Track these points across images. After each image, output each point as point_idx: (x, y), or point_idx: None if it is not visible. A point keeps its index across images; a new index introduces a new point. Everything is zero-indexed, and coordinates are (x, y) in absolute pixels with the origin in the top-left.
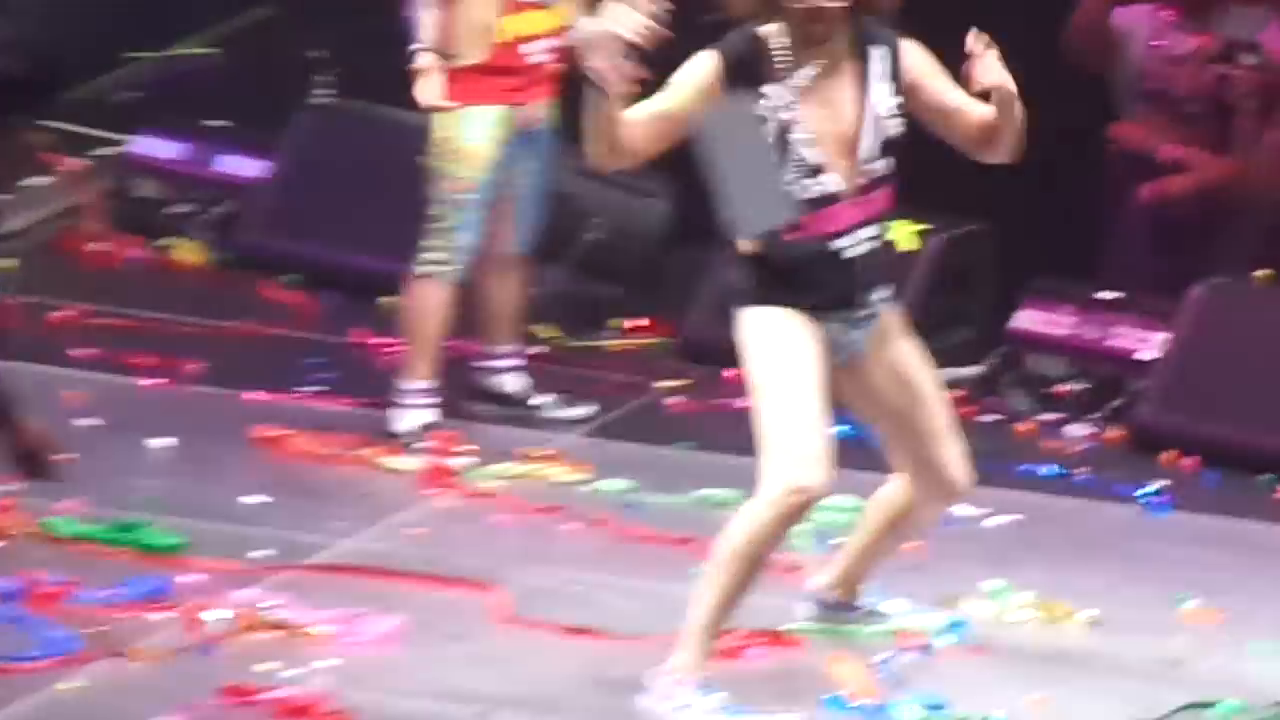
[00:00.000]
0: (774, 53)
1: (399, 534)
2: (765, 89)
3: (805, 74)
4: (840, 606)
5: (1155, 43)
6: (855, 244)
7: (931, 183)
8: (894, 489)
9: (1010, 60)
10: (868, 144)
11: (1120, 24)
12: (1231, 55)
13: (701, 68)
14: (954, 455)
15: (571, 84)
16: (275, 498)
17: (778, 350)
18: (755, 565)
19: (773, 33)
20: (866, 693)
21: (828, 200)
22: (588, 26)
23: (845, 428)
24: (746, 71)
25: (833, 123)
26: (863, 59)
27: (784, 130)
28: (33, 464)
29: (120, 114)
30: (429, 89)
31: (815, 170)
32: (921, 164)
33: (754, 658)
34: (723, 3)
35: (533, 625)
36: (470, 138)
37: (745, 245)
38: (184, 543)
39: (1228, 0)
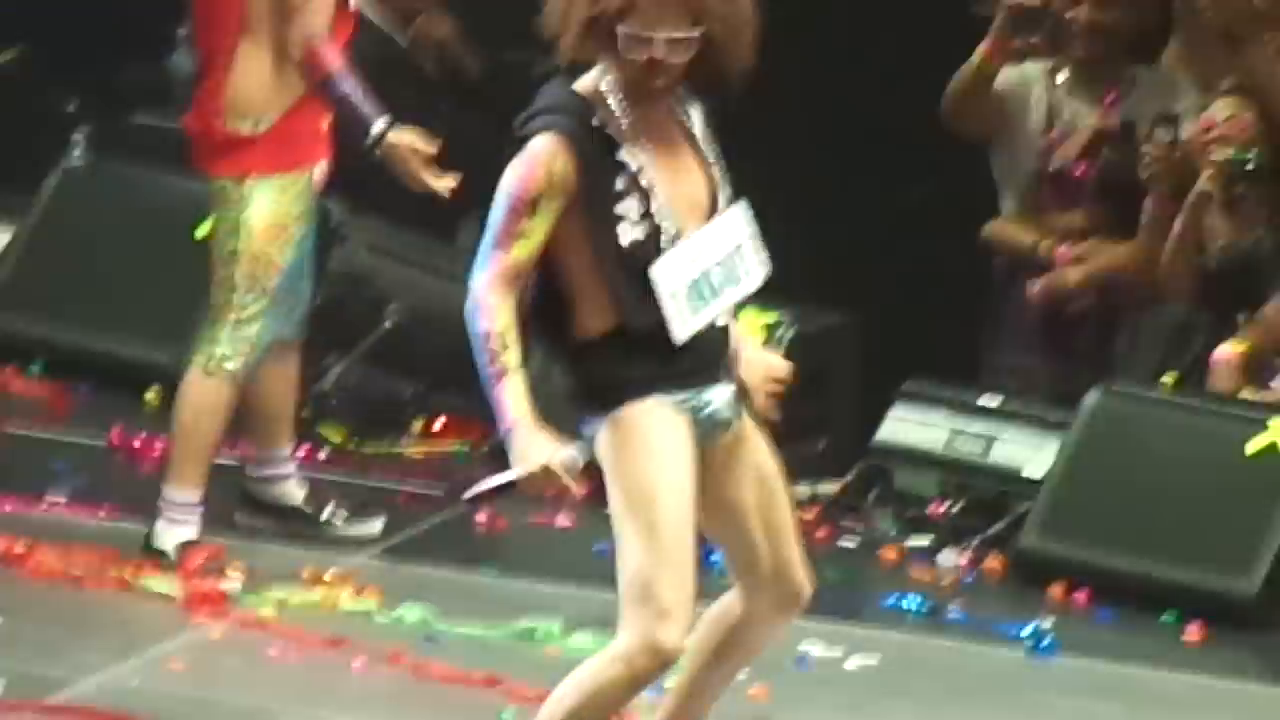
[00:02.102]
0: (613, 110)
1: (159, 668)
2: (620, 155)
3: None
4: None
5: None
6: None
7: (786, 265)
8: (727, 606)
9: (882, 133)
10: (721, 206)
11: (1005, 91)
12: (1132, 134)
13: (549, 169)
14: (798, 556)
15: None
16: (11, 622)
17: (653, 462)
18: None
19: (599, 87)
20: None
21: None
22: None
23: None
24: (598, 142)
25: (686, 185)
26: (684, 116)
27: (645, 198)
28: None
29: None
30: None
31: (674, 238)
32: (774, 242)
33: None
34: (555, 44)
35: None
36: (284, 210)
37: (594, 326)
38: None
39: (1134, 65)
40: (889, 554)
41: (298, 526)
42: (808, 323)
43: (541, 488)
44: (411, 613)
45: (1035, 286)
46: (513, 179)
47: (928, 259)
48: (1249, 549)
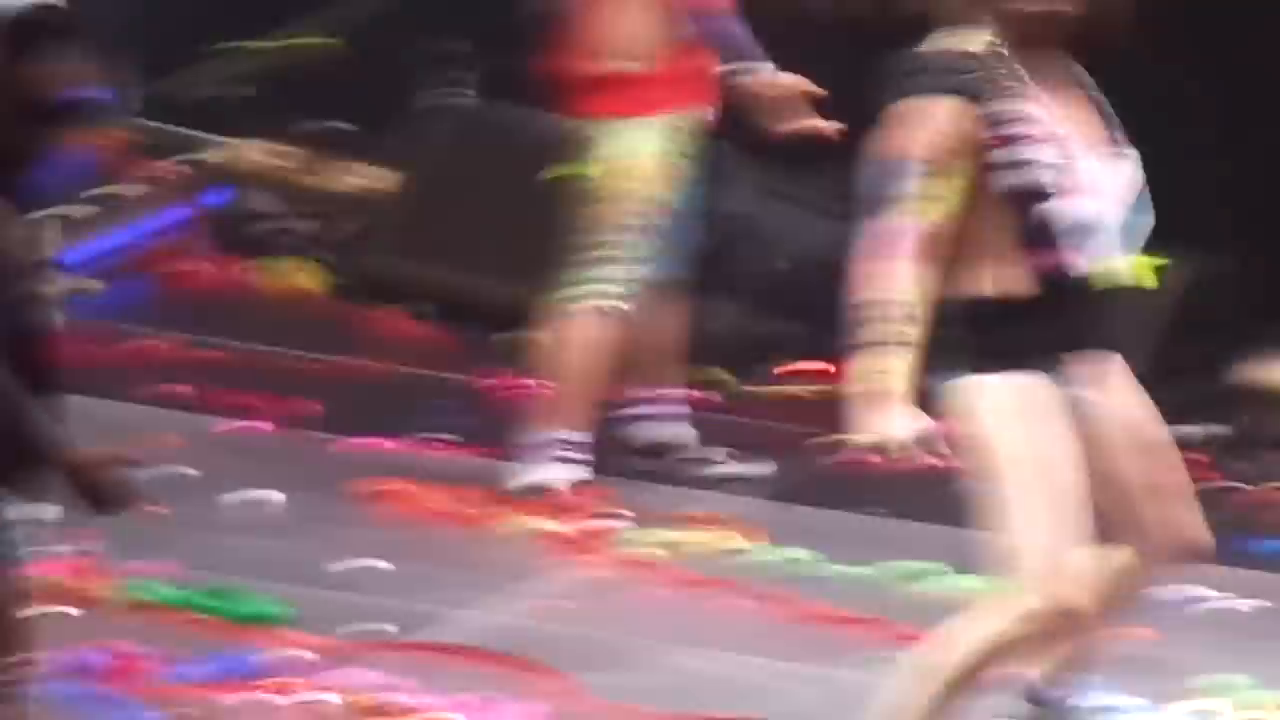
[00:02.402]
0: (1001, 63)
1: (540, 607)
2: (1011, 109)
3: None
4: (1060, 702)
5: None
6: (1118, 276)
7: (1177, 208)
8: (1113, 560)
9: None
10: (1118, 153)
11: None
12: None
13: (953, 127)
14: (1193, 515)
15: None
16: (394, 563)
17: (1033, 431)
18: (980, 682)
19: (989, 45)
20: None
21: (1091, 226)
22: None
23: None
24: (993, 98)
25: (1087, 134)
26: (1070, 70)
27: (1046, 151)
28: (97, 494)
29: (221, 113)
30: None
31: (1074, 189)
32: (1162, 184)
33: None
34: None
35: (695, 719)
36: (646, 151)
37: (984, 286)
38: (286, 613)
39: None
40: (1272, 498)
41: (680, 468)
42: (1199, 267)
43: (901, 459)
44: (793, 555)
45: None
46: (917, 141)
47: None
48: None
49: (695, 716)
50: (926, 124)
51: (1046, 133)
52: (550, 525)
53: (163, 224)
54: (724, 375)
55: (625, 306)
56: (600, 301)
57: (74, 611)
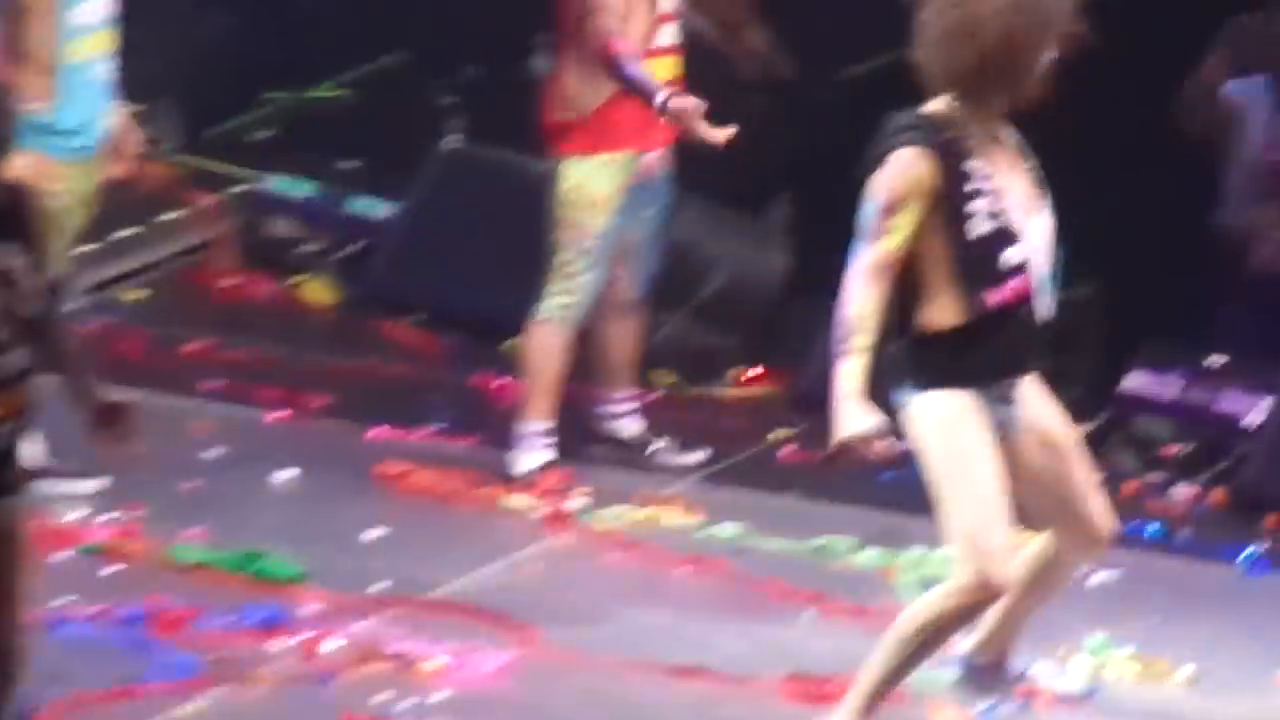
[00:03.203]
0: (962, 127)
1: (517, 571)
2: (969, 164)
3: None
4: (989, 669)
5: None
6: (1039, 310)
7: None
8: (1039, 547)
9: (1121, 130)
10: (1042, 206)
11: (1235, 97)
12: None
13: (912, 175)
14: (1100, 507)
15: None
16: (395, 532)
17: (963, 437)
18: (931, 647)
19: (946, 110)
20: None
21: (1023, 267)
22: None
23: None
24: (952, 156)
25: (1019, 188)
26: (1003, 130)
27: (994, 198)
28: (108, 426)
29: (255, 152)
30: None
31: (1018, 232)
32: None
33: None
34: (957, 71)
35: (643, 665)
36: (597, 185)
37: (936, 318)
38: (304, 573)
39: None
40: (1129, 488)
41: (633, 456)
42: (1065, 291)
43: (853, 453)
44: (726, 530)
45: (1257, 262)
46: (883, 184)
47: (1165, 236)
48: None
49: (641, 663)
50: (893, 171)
51: (990, 185)
52: (522, 503)
53: (203, 245)
54: (670, 378)
55: (568, 315)
56: (555, 314)
57: (116, 570)
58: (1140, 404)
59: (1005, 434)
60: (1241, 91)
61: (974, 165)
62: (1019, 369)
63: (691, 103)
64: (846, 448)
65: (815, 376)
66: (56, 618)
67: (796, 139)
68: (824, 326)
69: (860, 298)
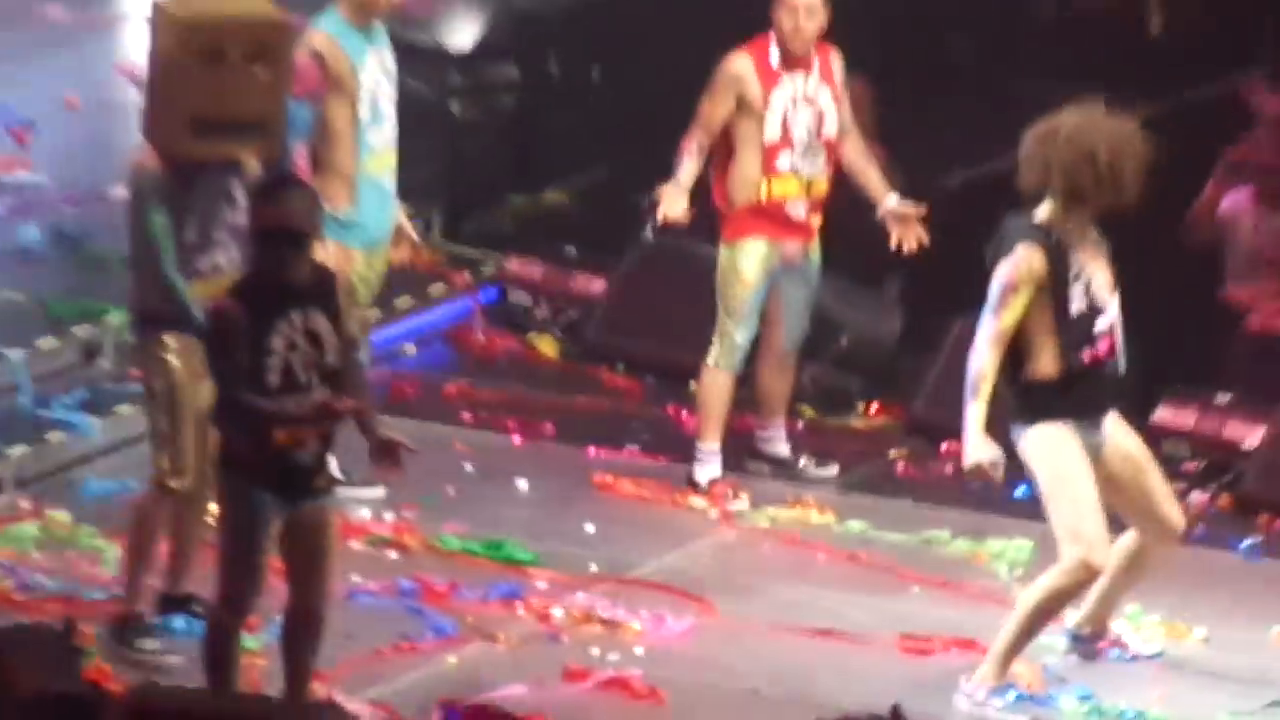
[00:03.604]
0: (1064, 229)
1: (696, 558)
2: (1070, 258)
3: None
4: (1091, 639)
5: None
6: (1119, 364)
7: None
8: (1129, 541)
9: (1153, 229)
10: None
11: (1227, 210)
12: None
13: (1029, 267)
14: (1173, 507)
15: (826, 227)
16: (604, 527)
17: (1067, 459)
18: (1049, 616)
19: (1052, 217)
20: (1036, 685)
21: (1107, 332)
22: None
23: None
24: (1059, 252)
25: (1104, 276)
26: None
27: (1087, 285)
28: (384, 458)
29: (500, 241)
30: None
31: (1103, 309)
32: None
33: (949, 659)
34: (1069, 184)
35: (790, 628)
36: (744, 268)
37: (1045, 370)
38: (537, 558)
39: None
40: None
41: (783, 470)
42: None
43: (979, 474)
44: (854, 526)
45: (1251, 325)
46: (1006, 273)
47: (1186, 306)
48: None
49: (789, 626)
50: (1015, 262)
51: (1084, 272)
52: (700, 504)
53: (456, 311)
54: (811, 411)
55: (726, 363)
56: (718, 361)
57: (396, 555)
58: (1166, 431)
59: (1096, 455)
60: (1232, 203)
61: (1074, 258)
62: (1105, 407)
63: (913, 209)
64: (976, 470)
65: (921, 410)
66: (352, 590)
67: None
68: (928, 371)
69: (984, 358)
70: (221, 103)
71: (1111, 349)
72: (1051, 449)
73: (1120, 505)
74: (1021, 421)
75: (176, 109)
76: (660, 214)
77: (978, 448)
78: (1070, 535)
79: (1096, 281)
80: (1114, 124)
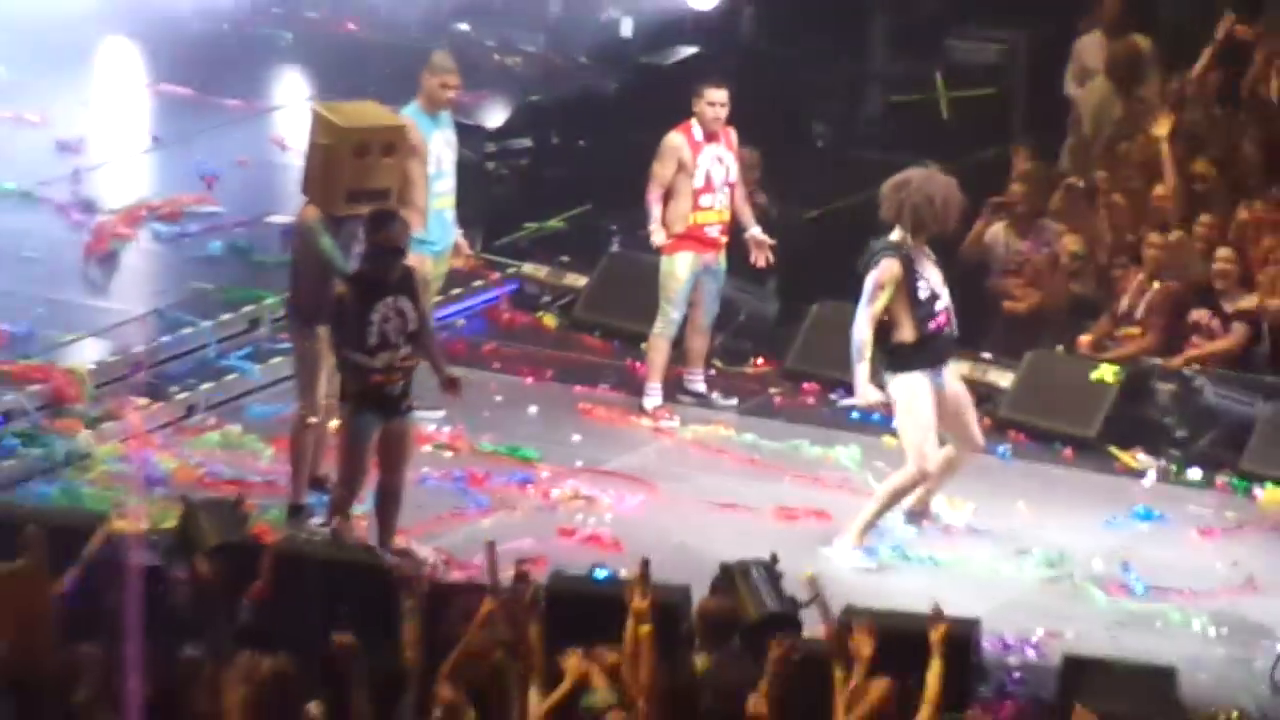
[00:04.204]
0: (910, 247)
1: (645, 456)
2: (916, 265)
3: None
4: (918, 515)
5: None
6: (954, 331)
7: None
8: (949, 450)
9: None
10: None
11: (990, 237)
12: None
13: (891, 272)
14: (978, 430)
15: (732, 242)
16: (585, 437)
17: (919, 398)
18: (895, 500)
19: (902, 238)
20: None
21: (945, 310)
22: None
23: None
24: (909, 261)
25: (938, 274)
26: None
27: (929, 282)
28: (450, 389)
29: (521, 253)
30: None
31: (941, 298)
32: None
33: (809, 524)
34: (920, 218)
35: (708, 503)
36: (678, 270)
37: (905, 336)
38: (540, 455)
39: (1041, 219)
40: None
41: (702, 401)
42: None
43: (872, 408)
44: (747, 437)
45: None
46: (876, 275)
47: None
48: None
49: (708, 501)
50: (883, 268)
51: (926, 273)
52: (649, 424)
53: (490, 297)
54: (720, 363)
55: (670, 333)
56: (659, 331)
57: (450, 454)
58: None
59: (940, 394)
60: (992, 232)
61: (919, 264)
62: (946, 360)
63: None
64: (869, 406)
65: (792, 362)
66: (422, 477)
67: (779, 251)
68: (796, 337)
69: (864, 333)
70: (365, 180)
71: (948, 320)
72: (909, 391)
73: (945, 427)
74: (890, 371)
75: (336, 183)
76: (653, 242)
77: (867, 392)
78: (914, 450)
79: (934, 279)
80: (944, 179)
